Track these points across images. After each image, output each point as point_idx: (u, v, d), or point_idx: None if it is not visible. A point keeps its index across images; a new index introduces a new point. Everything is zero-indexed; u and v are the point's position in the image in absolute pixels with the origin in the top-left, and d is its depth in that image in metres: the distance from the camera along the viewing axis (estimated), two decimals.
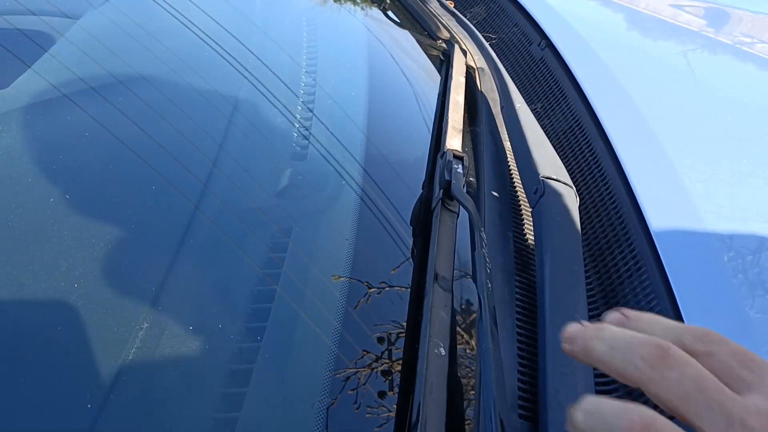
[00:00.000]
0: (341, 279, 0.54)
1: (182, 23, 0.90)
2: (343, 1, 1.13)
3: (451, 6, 1.15)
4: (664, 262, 0.56)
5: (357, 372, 0.47)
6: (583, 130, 0.77)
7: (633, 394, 0.51)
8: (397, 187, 0.67)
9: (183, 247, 0.54)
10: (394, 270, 0.57)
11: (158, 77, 0.79)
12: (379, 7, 1.12)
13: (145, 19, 0.93)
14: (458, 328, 0.51)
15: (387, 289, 0.54)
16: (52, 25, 0.92)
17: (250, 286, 0.53)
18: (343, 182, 0.65)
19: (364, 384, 0.46)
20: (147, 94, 0.74)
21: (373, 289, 0.54)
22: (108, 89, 0.72)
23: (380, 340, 0.50)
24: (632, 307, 0.56)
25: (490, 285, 0.52)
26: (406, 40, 1.02)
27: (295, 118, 0.73)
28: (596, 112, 0.76)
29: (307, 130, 0.72)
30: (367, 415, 0.45)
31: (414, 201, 0.64)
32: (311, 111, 0.75)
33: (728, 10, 1.27)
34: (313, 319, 0.51)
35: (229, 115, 0.73)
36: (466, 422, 0.46)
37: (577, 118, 0.80)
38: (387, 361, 0.48)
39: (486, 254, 0.55)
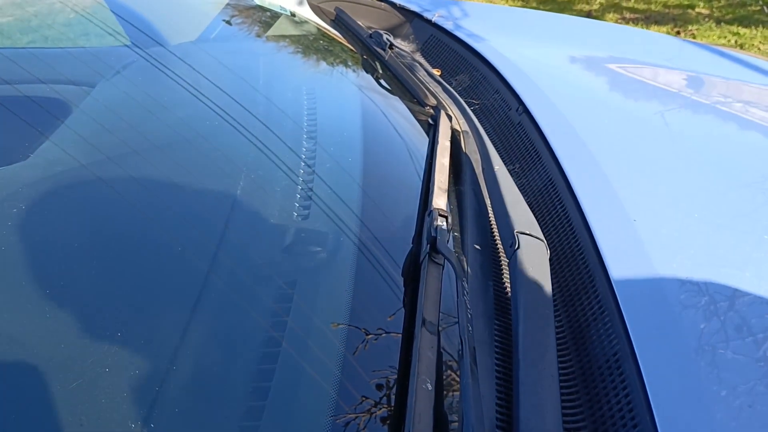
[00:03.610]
0: (341, 326, 0.62)
1: (191, 93, 0.99)
2: (339, 72, 1.24)
3: (438, 74, 1.26)
4: (622, 308, 0.65)
5: (358, 403, 0.54)
6: (555, 189, 0.87)
7: (597, 422, 0.59)
8: (390, 242, 0.76)
9: (199, 300, 0.62)
10: (389, 319, 0.65)
11: (170, 145, 0.86)
12: (372, 76, 1.22)
13: (155, 89, 1.01)
14: (443, 366, 0.59)
15: (382, 333, 0.62)
16: (65, 93, 1.00)
17: (260, 332, 0.61)
18: (342, 238, 0.74)
19: (363, 413, 0.54)
20: (160, 162, 0.82)
21: (370, 335, 0.62)
22: (123, 158, 0.80)
23: (376, 378, 0.58)
24: (596, 347, 0.65)
25: (470, 328, 0.60)
26: (397, 106, 1.12)
27: (298, 180, 0.82)
28: (566, 173, 0.86)
29: (309, 191, 0.80)
30: None
31: (405, 255, 0.73)
32: (312, 174, 0.83)
33: (704, 78, 1.37)
34: (315, 360, 0.59)
35: (238, 179, 0.81)
36: None
37: (550, 178, 0.89)
38: (382, 394, 0.56)
39: (467, 301, 0.63)
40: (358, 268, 0.69)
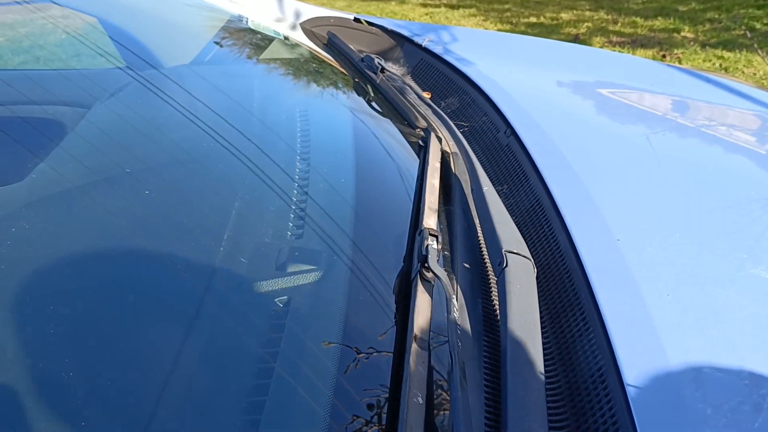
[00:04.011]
0: (334, 342, 0.63)
1: (185, 116, 1.00)
2: (331, 95, 1.26)
3: (428, 97, 1.29)
4: (607, 324, 0.67)
5: (351, 417, 0.56)
6: (542, 209, 0.89)
7: (579, 429, 0.60)
8: (382, 261, 0.78)
9: (193, 318, 0.63)
10: (381, 336, 0.67)
11: (165, 167, 0.88)
12: (364, 99, 1.25)
13: (150, 111, 1.03)
14: (434, 380, 0.60)
15: (374, 349, 0.64)
16: (61, 115, 1.01)
17: (256, 347, 0.62)
18: (335, 257, 0.75)
19: (356, 427, 0.55)
20: (156, 183, 0.83)
21: (362, 352, 0.63)
22: (117, 181, 0.81)
23: (369, 392, 0.59)
24: (581, 362, 0.67)
25: (460, 344, 0.62)
26: (388, 128, 1.15)
27: (292, 201, 0.84)
28: (553, 194, 0.88)
29: (302, 211, 0.82)
30: None
31: (396, 273, 0.75)
32: (306, 194, 0.85)
33: (689, 102, 1.40)
34: (309, 375, 0.61)
35: (233, 199, 0.83)
36: None
37: (537, 198, 0.92)
38: (374, 408, 0.58)
39: (457, 318, 0.65)
40: (351, 286, 0.71)
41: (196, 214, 0.79)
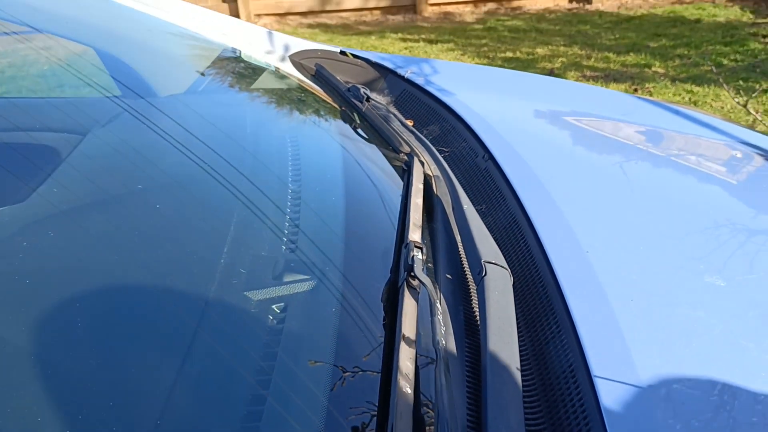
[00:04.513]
0: (330, 341, 0.69)
1: (175, 147, 1.05)
2: (320, 123, 1.33)
3: (411, 125, 1.36)
4: (577, 327, 0.74)
5: (348, 405, 0.62)
6: (518, 226, 0.96)
7: (555, 424, 0.67)
8: (372, 271, 0.84)
9: (193, 337, 0.68)
10: (372, 337, 0.73)
11: (160, 195, 0.91)
12: (351, 126, 1.33)
13: (145, 140, 1.07)
14: (420, 375, 0.66)
15: (366, 347, 0.70)
16: (55, 143, 1.05)
17: (255, 354, 0.68)
18: (330, 268, 0.82)
19: (351, 414, 0.61)
20: (151, 211, 0.87)
21: (355, 353, 0.69)
22: (112, 205, 0.85)
23: (364, 384, 0.65)
24: (554, 360, 0.73)
25: (444, 342, 0.68)
26: (374, 153, 1.22)
27: (287, 220, 0.90)
28: (528, 213, 0.96)
29: (296, 229, 0.88)
30: None
31: (385, 282, 0.81)
32: (300, 213, 0.91)
33: (662, 132, 1.48)
34: (308, 374, 0.66)
35: (231, 217, 0.89)
36: None
37: (513, 217, 0.99)
38: (368, 398, 0.64)
39: (441, 320, 0.71)
40: (344, 293, 0.77)
41: (193, 235, 0.84)
